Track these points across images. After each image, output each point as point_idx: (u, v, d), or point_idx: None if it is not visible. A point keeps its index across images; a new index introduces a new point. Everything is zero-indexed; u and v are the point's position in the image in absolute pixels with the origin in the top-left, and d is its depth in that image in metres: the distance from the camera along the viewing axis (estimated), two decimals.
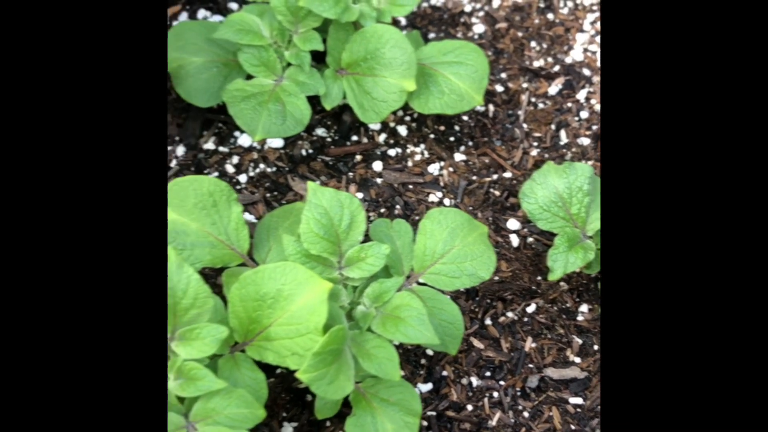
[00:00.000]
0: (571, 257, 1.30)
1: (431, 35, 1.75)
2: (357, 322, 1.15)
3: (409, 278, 1.24)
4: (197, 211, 1.16)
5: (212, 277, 1.39)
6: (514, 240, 1.50)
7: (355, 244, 1.16)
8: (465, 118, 1.65)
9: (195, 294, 1.01)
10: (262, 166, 1.54)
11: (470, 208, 1.53)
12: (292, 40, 1.46)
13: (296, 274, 1.04)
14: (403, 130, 1.62)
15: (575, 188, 1.33)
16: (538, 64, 1.73)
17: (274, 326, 1.05)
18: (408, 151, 1.60)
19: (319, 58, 1.55)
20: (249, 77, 1.49)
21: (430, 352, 1.37)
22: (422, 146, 1.61)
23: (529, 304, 1.43)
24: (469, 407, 1.33)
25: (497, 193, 1.56)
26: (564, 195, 1.34)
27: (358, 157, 1.58)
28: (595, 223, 1.35)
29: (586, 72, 1.72)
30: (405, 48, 1.40)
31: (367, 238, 1.24)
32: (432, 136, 1.62)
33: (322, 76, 1.47)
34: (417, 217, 1.52)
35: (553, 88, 1.70)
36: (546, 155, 1.62)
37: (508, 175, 1.58)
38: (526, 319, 1.42)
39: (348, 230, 1.15)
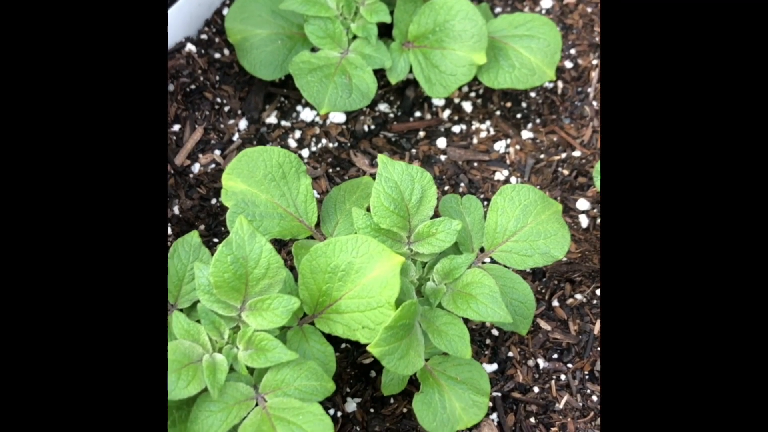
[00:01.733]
0: None
1: (497, 9, 1.70)
2: (427, 298, 1.12)
3: (478, 255, 1.21)
4: (267, 182, 1.15)
5: (276, 250, 1.38)
6: (584, 220, 1.45)
7: (425, 219, 1.13)
8: (532, 94, 1.60)
9: (267, 264, 1.00)
10: (324, 141, 1.53)
11: (538, 187, 1.49)
12: (358, 12, 1.43)
13: (368, 246, 1.02)
14: (468, 107, 1.58)
15: None
16: None
17: (344, 299, 1.03)
18: (473, 127, 1.56)
19: (385, 32, 1.52)
20: (314, 50, 1.47)
21: (495, 332, 1.34)
22: (488, 123, 1.57)
23: (598, 287, 1.38)
24: (536, 389, 1.29)
25: (566, 172, 1.51)
26: None
27: (422, 134, 1.55)
28: None
29: None
30: (476, 20, 1.36)
31: (435, 214, 1.21)
32: (498, 112, 1.58)
33: (388, 49, 1.44)
34: (482, 195, 1.48)
35: None
36: None
37: (577, 153, 1.53)
38: (595, 302, 1.37)
39: (418, 205, 1.12)
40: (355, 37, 1.44)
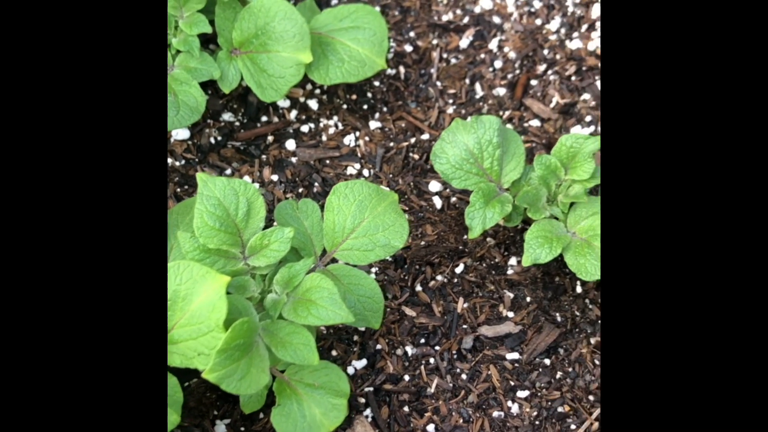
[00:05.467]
0: (489, 213, 1.27)
1: (333, 3, 1.69)
2: (267, 310, 1.11)
3: (322, 257, 1.20)
4: None
5: None
6: (437, 202, 1.47)
7: (257, 231, 1.11)
8: (377, 83, 1.60)
9: None
10: (169, 160, 1.49)
11: (390, 175, 1.49)
12: (178, 26, 1.39)
13: (191, 271, 0.99)
14: (313, 104, 1.57)
15: (485, 142, 1.30)
16: (446, 17, 1.68)
17: (176, 328, 1.01)
18: (321, 125, 1.55)
19: (212, 41, 1.48)
20: None
21: (362, 327, 1.34)
22: (335, 118, 1.56)
23: (457, 265, 1.40)
24: (407, 377, 1.30)
25: (416, 156, 1.52)
26: (474, 150, 1.30)
27: (270, 138, 1.53)
28: (510, 175, 1.31)
29: (497, 20, 1.68)
30: (295, 19, 1.34)
31: (273, 223, 1.20)
32: (345, 106, 1.57)
33: (215, 59, 1.40)
34: None
35: (464, 41, 1.65)
36: (463, 111, 1.58)
37: (425, 137, 1.54)
38: (455, 281, 1.39)
39: (246, 218, 1.10)
40: (178, 51, 1.40)
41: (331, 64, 1.41)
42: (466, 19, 1.68)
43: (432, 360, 1.32)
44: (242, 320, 0.99)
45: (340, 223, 1.17)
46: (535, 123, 1.56)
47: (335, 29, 1.43)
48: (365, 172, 1.50)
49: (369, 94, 1.59)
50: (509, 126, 1.55)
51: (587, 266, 1.20)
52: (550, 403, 1.28)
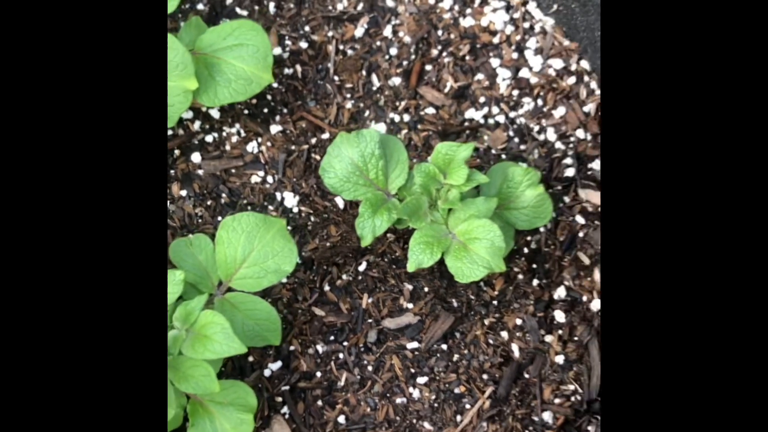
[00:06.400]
0: (378, 221, 1.36)
1: (228, 2, 1.69)
2: (169, 348, 1.22)
3: (220, 287, 1.30)
4: None
5: None
6: (340, 202, 1.55)
7: None
8: (276, 85, 1.64)
9: None
10: None
11: (294, 179, 1.57)
12: None
13: None
14: (215, 113, 1.62)
15: (368, 155, 1.37)
16: (341, 6, 1.69)
17: None
18: (224, 133, 1.61)
19: None
20: None
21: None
22: (237, 125, 1.61)
23: (360, 263, 1.50)
24: (319, 374, 1.44)
25: (318, 157, 1.59)
26: (359, 163, 1.38)
27: (177, 152, 1.59)
28: (396, 181, 1.39)
29: (390, 3, 1.69)
30: (176, 48, 1.38)
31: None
32: (245, 111, 1.62)
33: None
34: (245, 201, 1.56)
35: (360, 30, 1.67)
36: (361, 104, 1.63)
37: (326, 135, 1.60)
38: (360, 278, 1.50)
39: None
40: None
41: (218, 85, 1.45)
42: (360, 6, 1.69)
43: (341, 355, 1.45)
44: None
45: (231, 254, 1.26)
46: (431, 111, 1.62)
47: (220, 48, 1.46)
48: (269, 179, 1.57)
49: (269, 97, 1.63)
50: (406, 116, 1.61)
51: (464, 270, 1.30)
52: (447, 385, 1.42)
